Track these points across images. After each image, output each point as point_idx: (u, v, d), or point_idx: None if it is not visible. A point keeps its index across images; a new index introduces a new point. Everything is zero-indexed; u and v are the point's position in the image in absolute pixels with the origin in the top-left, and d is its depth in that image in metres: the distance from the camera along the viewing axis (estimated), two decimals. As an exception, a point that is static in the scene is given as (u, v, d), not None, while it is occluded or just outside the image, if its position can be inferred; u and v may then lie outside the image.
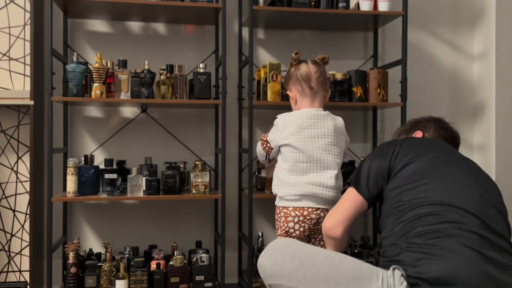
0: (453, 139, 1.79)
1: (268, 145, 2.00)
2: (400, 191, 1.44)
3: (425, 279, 1.25)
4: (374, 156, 1.56)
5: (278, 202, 1.92)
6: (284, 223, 1.86)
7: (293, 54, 1.99)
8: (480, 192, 1.40)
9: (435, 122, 1.83)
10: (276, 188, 1.93)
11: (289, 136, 1.89)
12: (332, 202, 1.86)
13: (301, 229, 1.85)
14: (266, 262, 1.43)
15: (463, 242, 1.28)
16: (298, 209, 1.85)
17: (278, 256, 1.41)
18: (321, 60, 2.02)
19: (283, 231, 1.87)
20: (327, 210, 1.85)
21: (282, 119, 1.95)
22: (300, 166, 1.87)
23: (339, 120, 1.98)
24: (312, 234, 1.90)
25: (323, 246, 1.90)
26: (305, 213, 1.84)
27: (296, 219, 1.84)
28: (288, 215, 1.86)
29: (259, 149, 2.06)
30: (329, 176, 1.86)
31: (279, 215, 1.90)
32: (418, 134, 1.79)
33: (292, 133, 1.89)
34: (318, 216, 1.84)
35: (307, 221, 1.84)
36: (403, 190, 1.43)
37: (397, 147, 1.53)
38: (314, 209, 1.84)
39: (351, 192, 1.56)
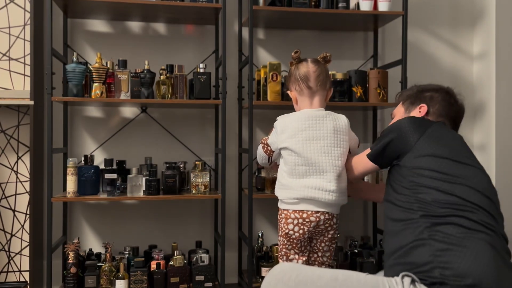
0: (457, 117, 1.79)
1: (269, 148, 1.97)
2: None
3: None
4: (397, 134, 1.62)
5: (279, 204, 1.91)
6: (285, 224, 1.86)
7: (292, 53, 1.97)
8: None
9: (443, 96, 1.77)
10: (277, 190, 1.92)
11: (287, 139, 1.86)
12: (333, 205, 1.84)
13: (301, 231, 1.83)
14: None
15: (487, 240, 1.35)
16: (297, 211, 1.83)
17: (281, 286, 1.39)
18: (322, 59, 1.98)
19: (284, 233, 1.87)
20: (328, 213, 1.83)
21: (281, 121, 1.92)
22: (299, 170, 1.84)
23: (342, 120, 1.92)
24: (313, 236, 1.89)
25: (325, 247, 1.89)
26: (305, 215, 1.82)
27: (295, 222, 1.83)
28: (288, 217, 1.85)
29: (260, 152, 2.02)
30: (329, 180, 1.82)
31: (280, 217, 1.90)
32: (423, 108, 1.76)
33: (290, 136, 1.86)
34: (318, 219, 1.82)
35: (307, 224, 1.82)
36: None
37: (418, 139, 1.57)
38: (313, 211, 1.82)
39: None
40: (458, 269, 1.28)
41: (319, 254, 1.90)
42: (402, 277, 1.32)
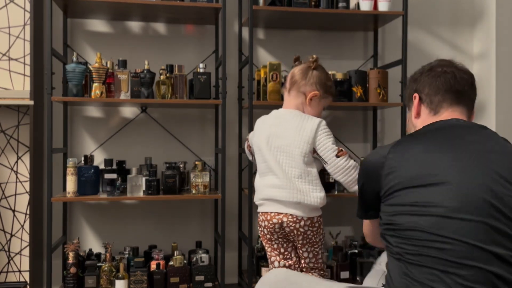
0: (458, 85, 1.35)
1: (248, 143, 2.06)
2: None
3: None
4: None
5: None
6: (258, 227, 1.90)
7: (294, 57, 2.02)
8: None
9: (425, 73, 1.43)
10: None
11: (256, 135, 1.93)
12: (296, 206, 1.78)
13: (269, 233, 1.84)
14: None
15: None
16: (263, 213, 1.84)
17: None
18: (311, 62, 1.95)
19: (260, 235, 1.90)
20: (291, 215, 1.79)
21: (258, 119, 1.98)
22: (260, 167, 1.88)
23: (311, 122, 1.83)
24: (294, 241, 1.86)
25: (304, 252, 1.86)
26: (268, 217, 1.82)
27: (263, 224, 1.84)
28: (259, 218, 1.88)
29: (245, 148, 2.13)
30: (280, 177, 1.80)
31: None
32: (415, 97, 1.40)
33: (256, 133, 1.93)
34: (280, 221, 1.80)
35: (271, 225, 1.81)
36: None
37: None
38: (276, 213, 1.81)
39: None
40: None
41: (302, 261, 1.87)
42: None
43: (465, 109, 1.37)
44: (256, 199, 1.90)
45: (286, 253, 1.87)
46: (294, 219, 1.79)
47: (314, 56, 1.96)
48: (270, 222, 1.81)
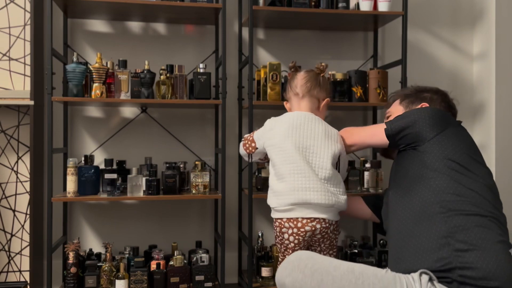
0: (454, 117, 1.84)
1: (253, 144, 1.91)
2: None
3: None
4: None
5: (272, 214, 1.82)
6: (280, 233, 1.78)
7: (289, 64, 2.00)
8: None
9: (442, 98, 1.82)
10: (269, 199, 1.83)
11: (276, 135, 1.81)
12: (328, 209, 1.74)
13: (296, 241, 1.74)
14: (285, 279, 1.40)
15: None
16: (292, 220, 1.74)
17: (297, 273, 1.38)
18: (317, 68, 1.95)
19: (279, 242, 1.80)
20: (324, 220, 1.73)
21: (271, 120, 1.89)
22: (285, 169, 1.76)
23: (333, 129, 1.86)
24: (312, 246, 1.81)
25: (326, 254, 1.81)
26: (299, 224, 1.73)
27: (290, 231, 1.74)
28: (282, 226, 1.76)
29: (240, 149, 1.99)
30: (313, 178, 1.73)
31: (274, 225, 1.82)
32: (424, 106, 1.76)
33: (279, 133, 1.80)
34: (313, 228, 1.72)
35: (301, 233, 1.73)
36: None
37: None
38: (309, 220, 1.72)
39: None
40: (481, 270, 1.28)
41: None
42: (420, 274, 1.31)
43: None
44: (280, 205, 1.76)
45: None
46: (327, 224, 1.74)
47: (323, 64, 1.95)
48: (301, 230, 1.73)
